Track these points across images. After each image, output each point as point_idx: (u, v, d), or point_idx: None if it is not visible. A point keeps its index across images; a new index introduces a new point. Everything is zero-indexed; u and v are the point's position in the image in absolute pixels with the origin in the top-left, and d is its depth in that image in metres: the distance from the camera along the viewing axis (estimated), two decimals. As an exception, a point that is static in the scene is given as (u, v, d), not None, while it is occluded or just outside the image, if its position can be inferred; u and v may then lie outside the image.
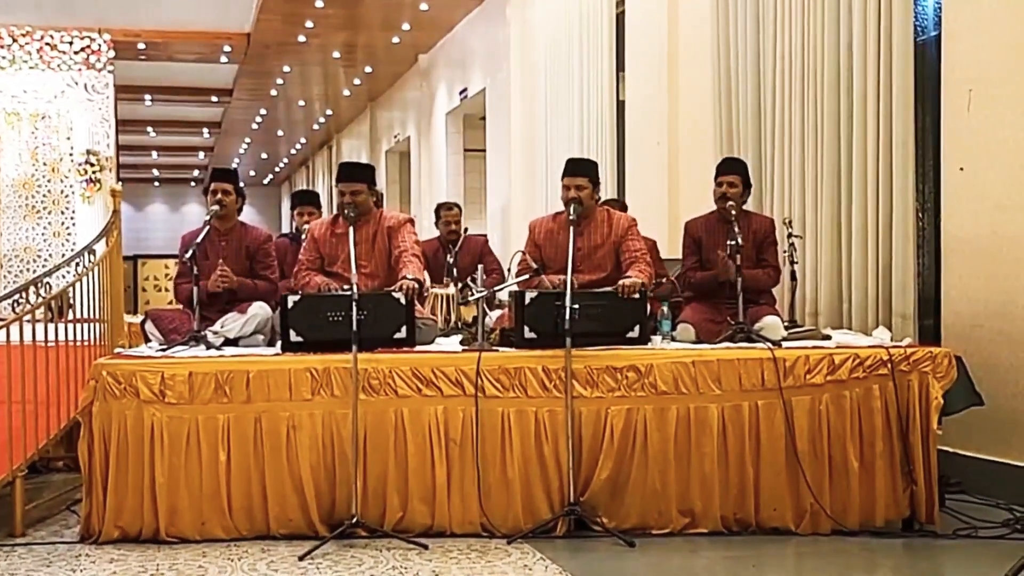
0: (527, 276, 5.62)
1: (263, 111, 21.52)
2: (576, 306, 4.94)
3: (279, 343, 5.15)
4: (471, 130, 15.58)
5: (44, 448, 5.40)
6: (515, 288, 5.43)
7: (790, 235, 6.09)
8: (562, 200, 5.68)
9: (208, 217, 5.74)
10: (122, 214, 6.38)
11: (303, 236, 6.42)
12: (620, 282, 5.26)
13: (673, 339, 5.45)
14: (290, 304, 4.98)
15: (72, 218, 10.84)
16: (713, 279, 5.69)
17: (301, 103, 20.93)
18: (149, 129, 23.60)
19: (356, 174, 5.75)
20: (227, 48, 15.19)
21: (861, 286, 6.28)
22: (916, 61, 6.06)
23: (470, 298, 5.69)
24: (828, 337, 5.60)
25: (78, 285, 5.70)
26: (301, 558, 4.53)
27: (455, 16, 14.15)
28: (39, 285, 5.29)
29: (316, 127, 23.71)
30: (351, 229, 5.35)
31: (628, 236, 5.71)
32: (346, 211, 5.56)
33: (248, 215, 6.56)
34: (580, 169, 5.69)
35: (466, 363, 4.96)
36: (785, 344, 5.26)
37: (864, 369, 4.98)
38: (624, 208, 7.49)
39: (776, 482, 4.95)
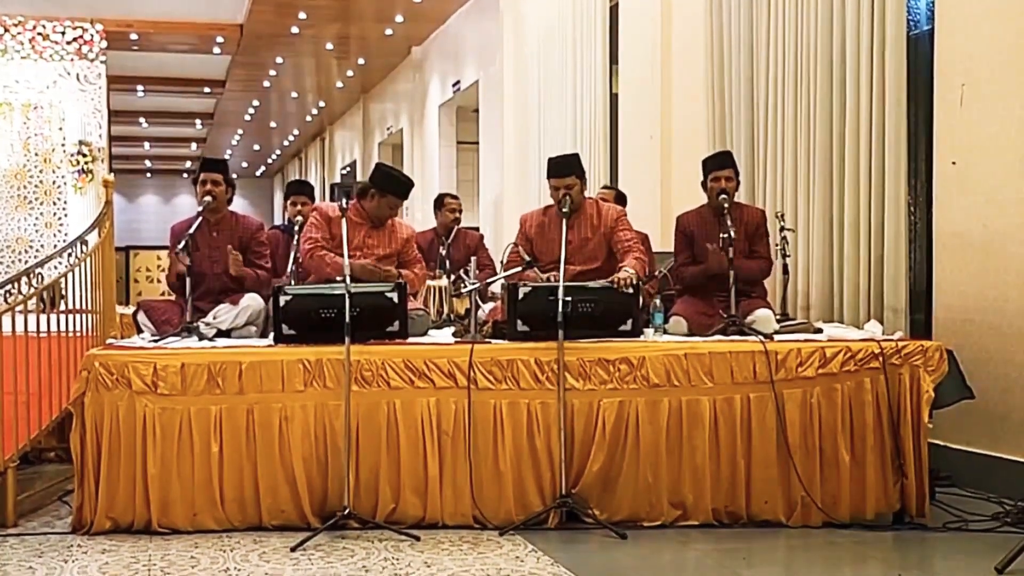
0: (519, 269, 5.63)
1: (256, 102, 21.45)
2: (569, 298, 4.96)
3: (272, 334, 5.15)
4: (464, 122, 15.56)
5: (36, 439, 5.40)
6: (508, 281, 5.44)
7: (782, 228, 6.10)
8: (552, 199, 5.70)
9: (201, 208, 5.73)
10: (114, 205, 6.37)
11: (295, 227, 6.40)
12: (615, 275, 5.27)
13: (665, 332, 5.45)
14: (282, 303, 4.98)
15: (64, 209, 10.79)
16: (703, 273, 5.71)
17: (294, 95, 20.88)
18: (141, 120, 23.50)
19: (404, 191, 5.85)
20: (220, 39, 15.14)
21: (853, 280, 6.30)
22: (909, 56, 6.06)
23: (463, 290, 5.69)
24: (820, 330, 5.61)
25: (70, 276, 5.69)
26: (293, 549, 4.53)
27: (448, 8, 14.12)
28: (31, 276, 5.28)
29: (309, 119, 23.64)
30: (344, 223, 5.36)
31: (618, 227, 5.74)
32: (376, 222, 5.78)
33: (241, 206, 6.55)
34: (566, 169, 5.69)
35: (459, 355, 4.97)
36: (777, 337, 5.27)
37: (855, 362, 4.99)
38: (623, 198, 7.49)
39: (767, 475, 4.97)
